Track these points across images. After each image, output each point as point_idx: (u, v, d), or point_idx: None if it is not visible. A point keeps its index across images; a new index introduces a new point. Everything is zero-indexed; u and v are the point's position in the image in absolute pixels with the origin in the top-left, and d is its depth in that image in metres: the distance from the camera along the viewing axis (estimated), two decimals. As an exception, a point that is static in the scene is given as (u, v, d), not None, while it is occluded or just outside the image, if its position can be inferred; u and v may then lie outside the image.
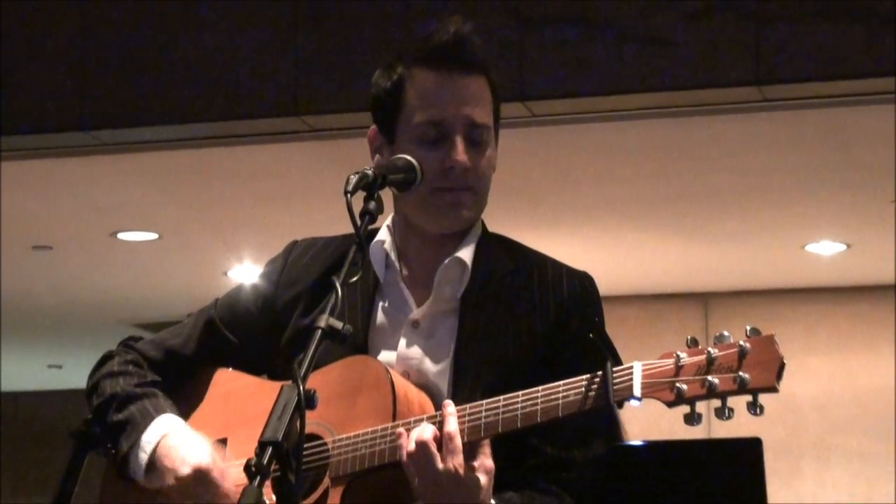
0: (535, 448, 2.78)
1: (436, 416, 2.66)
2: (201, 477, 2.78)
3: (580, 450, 2.82)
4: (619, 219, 7.34)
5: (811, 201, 7.12)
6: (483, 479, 2.62)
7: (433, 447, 2.58)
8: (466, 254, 2.87)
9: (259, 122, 5.77)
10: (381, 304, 2.93)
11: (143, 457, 2.85)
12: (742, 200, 7.09)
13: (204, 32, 5.76)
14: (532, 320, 2.85)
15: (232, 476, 2.75)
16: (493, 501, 2.67)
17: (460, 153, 2.78)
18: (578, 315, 2.86)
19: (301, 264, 2.99)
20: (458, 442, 2.59)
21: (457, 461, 2.60)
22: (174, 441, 2.84)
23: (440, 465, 2.59)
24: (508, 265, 2.92)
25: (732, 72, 5.33)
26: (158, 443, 2.85)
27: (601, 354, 2.59)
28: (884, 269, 8.36)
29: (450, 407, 2.63)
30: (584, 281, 2.90)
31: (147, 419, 2.88)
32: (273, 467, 2.32)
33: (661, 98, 5.49)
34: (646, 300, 8.50)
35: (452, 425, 2.61)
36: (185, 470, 2.78)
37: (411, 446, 2.61)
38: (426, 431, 2.60)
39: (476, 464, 2.62)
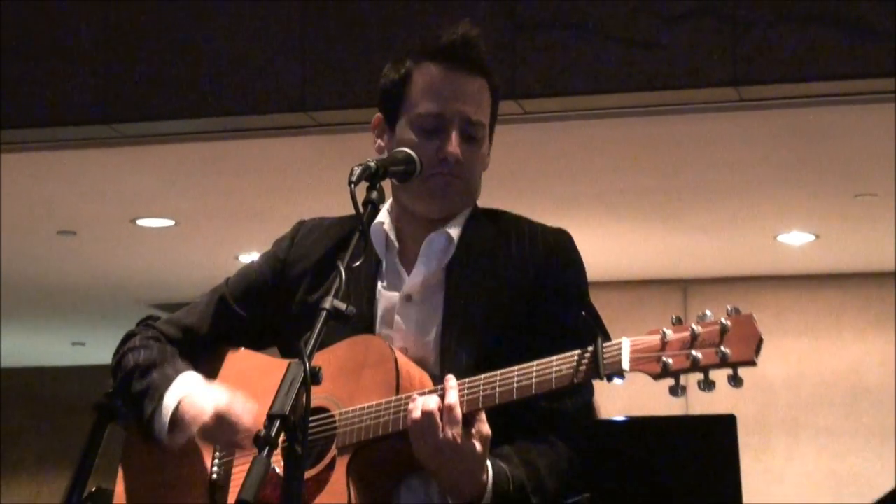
0: (529, 402, 2.77)
1: (436, 391, 2.66)
2: (222, 417, 2.77)
3: (571, 399, 2.82)
4: (605, 209, 7.35)
5: (783, 195, 7.12)
6: (479, 446, 2.63)
7: (437, 416, 2.59)
8: (454, 228, 2.88)
9: (268, 118, 5.77)
10: (381, 284, 2.93)
11: (166, 417, 2.84)
12: (719, 193, 7.09)
13: (218, 33, 5.76)
14: (513, 279, 2.86)
15: (251, 415, 2.75)
16: (489, 463, 2.68)
17: (454, 146, 2.80)
18: (556, 270, 2.87)
19: (308, 243, 2.99)
20: (458, 413, 2.60)
21: (456, 431, 2.61)
22: (194, 396, 2.84)
23: (441, 434, 2.60)
24: (491, 231, 2.92)
25: (711, 73, 5.32)
26: (180, 401, 2.84)
27: (592, 330, 2.60)
28: (849, 259, 8.37)
29: (451, 381, 2.63)
30: (559, 236, 2.92)
31: (167, 382, 2.88)
32: (281, 438, 2.34)
33: (644, 97, 5.49)
34: (629, 286, 8.50)
35: (453, 397, 2.61)
36: (206, 416, 2.79)
37: (417, 415, 2.62)
38: (431, 402, 2.61)
39: (473, 431, 2.63)
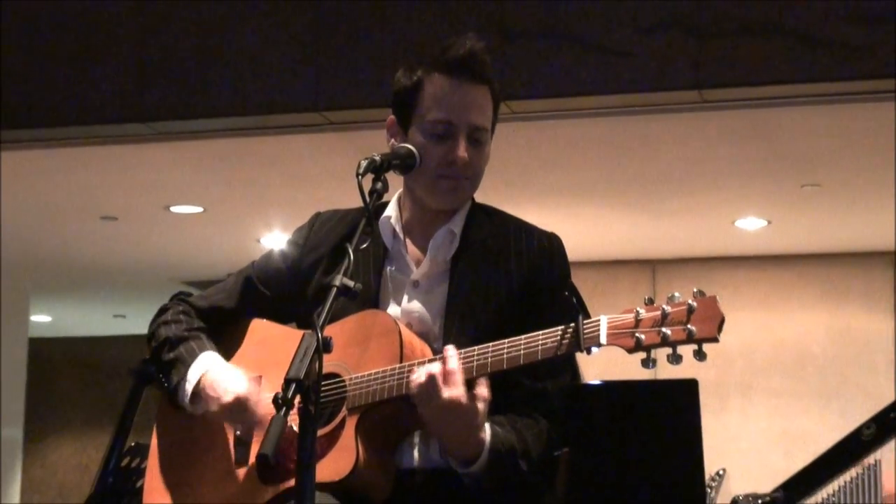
0: (517, 382, 2.78)
1: (436, 359, 2.67)
2: (241, 404, 2.78)
3: (551, 381, 2.84)
4: (582, 197, 7.34)
5: (739, 185, 7.12)
6: (480, 406, 2.64)
7: (439, 379, 2.60)
8: (456, 225, 2.90)
9: (286, 117, 5.77)
10: (388, 268, 2.94)
11: (189, 388, 2.86)
12: (683, 183, 7.09)
13: (241, 41, 5.76)
14: (509, 275, 2.87)
15: (266, 405, 2.75)
16: (487, 424, 2.68)
17: (462, 150, 2.81)
18: (547, 268, 2.88)
19: (323, 231, 3.00)
20: (458, 377, 2.61)
21: (456, 392, 2.61)
22: (215, 375, 2.84)
23: (443, 394, 2.60)
24: (490, 230, 2.94)
25: (676, 78, 5.32)
26: (202, 376, 2.85)
27: (573, 309, 2.60)
28: (797, 242, 8.38)
29: (450, 350, 2.65)
30: (551, 239, 2.94)
31: (192, 357, 2.89)
32: (297, 400, 2.33)
33: (618, 99, 5.49)
34: (605, 265, 8.49)
35: (453, 363, 2.63)
36: (227, 398, 2.79)
37: (421, 378, 2.62)
38: (433, 367, 2.63)
39: (475, 393, 2.63)
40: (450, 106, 2.84)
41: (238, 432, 2.89)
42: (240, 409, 2.78)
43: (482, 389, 2.64)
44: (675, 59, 5.30)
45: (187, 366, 2.87)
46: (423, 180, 2.82)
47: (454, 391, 2.60)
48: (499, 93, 2.95)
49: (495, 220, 2.96)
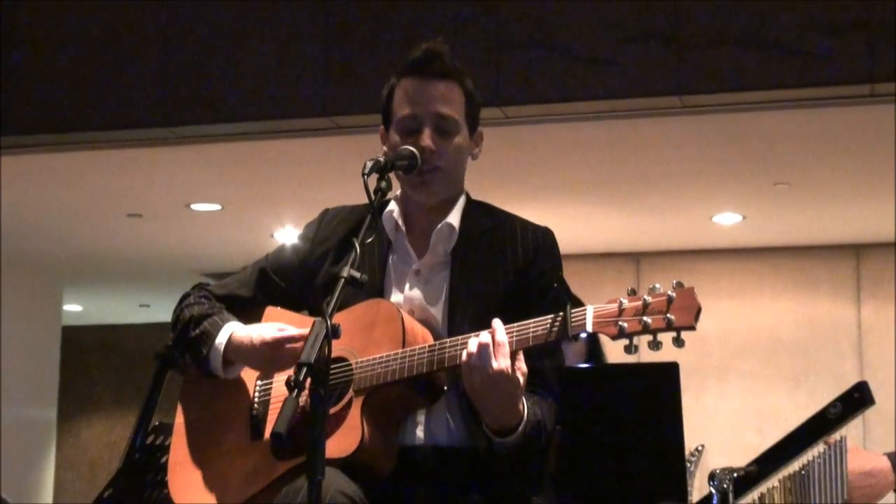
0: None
1: (435, 345, 2.68)
2: (277, 344, 2.79)
3: (548, 360, 2.82)
4: (572, 195, 7.34)
5: (716, 183, 7.12)
6: (521, 378, 2.62)
7: (491, 349, 2.59)
8: (455, 218, 2.90)
9: (297, 122, 5.78)
10: (392, 258, 2.93)
11: (219, 355, 2.86)
12: (665, 182, 7.09)
13: (257, 54, 5.77)
14: (505, 266, 2.87)
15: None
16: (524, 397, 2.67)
17: (426, 139, 2.80)
18: (540, 260, 2.88)
19: (331, 226, 3.00)
20: (507, 349, 2.59)
21: (506, 362, 2.59)
22: (241, 333, 2.86)
23: (494, 364, 2.59)
24: (487, 224, 2.94)
25: (658, 85, 5.32)
26: (229, 338, 2.86)
27: (563, 299, 2.61)
28: (770, 236, 8.38)
29: (498, 323, 2.63)
30: (545, 234, 2.93)
31: (217, 328, 2.90)
32: (308, 382, 2.34)
33: (604, 105, 5.49)
34: (591, 257, 8.49)
35: (503, 336, 2.61)
36: (258, 343, 2.81)
37: (473, 349, 2.60)
38: (484, 338, 2.60)
39: (517, 366, 2.62)
40: (413, 101, 2.85)
41: (255, 409, 2.89)
42: (272, 349, 2.79)
43: (521, 363, 2.63)
44: (657, 68, 5.30)
45: (214, 336, 2.88)
46: (408, 178, 2.82)
47: (504, 362, 2.60)
48: (470, 86, 2.92)
49: (492, 215, 2.96)
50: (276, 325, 2.84)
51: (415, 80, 2.87)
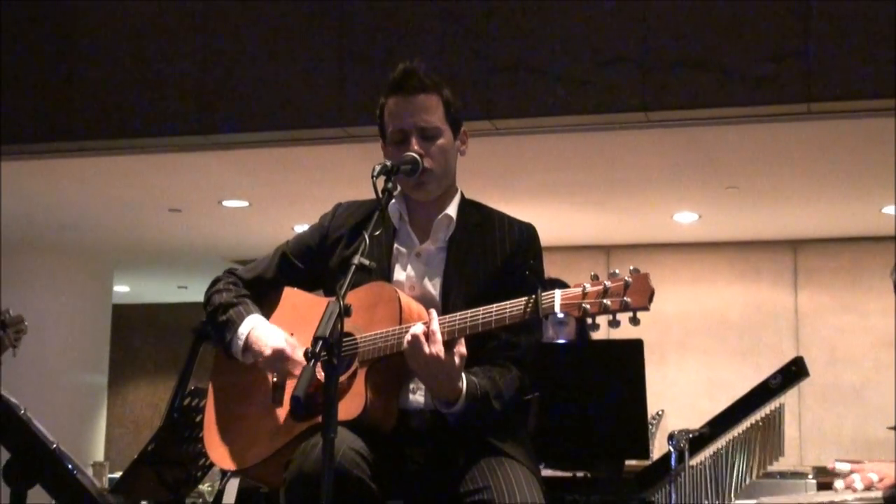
0: (495, 335, 2.77)
1: (421, 323, 2.67)
2: (277, 356, 2.79)
3: (525, 336, 2.82)
4: (552, 196, 7.34)
5: (677, 186, 7.11)
6: (457, 361, 2.63)
7: (422, 338, 2.61)
8: (452, 211, 2.90)
9: (315, 131, 5.78)
10: (396, 243, 2.93)
11: (240, 343, 2.86)
12: (632, 185, 7.09)
13: (281, 70, 5.76)
14: (494, 254, 2.88)
15: (298, 356, 2.77)
16: (464, 375, 2.67)
17: (413, 146, 2.82)
18: (523, 251, 2.88)
19: (343, 217, 3.01)
20: (438, 336, 2.61)
21: (437, 349, 2.60)
22: (259, 332, 2.85)
23: (426, 351, 2.60)
24: (479, 218, 2.94)
25: (626, 101, 5.32)
26: (248, 333, 2.85)
27: (536, 285, 2.61)
28: (722, 232, 8.38)
29: (433, 313, 2.66)
30: (528, 229, 2.93)
31: (241, 318, 2.89)
32: (322, 354, 2.34)
33: (579, 119, 5.49)
34: (568, 250, 8.48)
35: (435, 325, 2.63)
36: (267, 351, 2.80)
37: (408, 338, 2.62)
38: (418, 328, 2.63)
39: (454, 351, 2.63)
40: (398, 117, 2.86)
41: (275, 379, 2.89)
42: (276, 359, 2.80)
43: (460, 347, 2.64)
44: (626, 88, 5.29)
45: (237, 326, 2.88)
46: (405, 181, 2.82)
47: (435, 348, 2.61)
48: (447, 94, 2.91)
49: (483, 211, 2.96)
50: (284, 335, 2.84)
51: (397, 97, 2.88)
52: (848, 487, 3.02)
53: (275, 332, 2.85)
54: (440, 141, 2.86)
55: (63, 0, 6.08)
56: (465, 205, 2.95)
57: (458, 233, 2.89)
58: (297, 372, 2.70)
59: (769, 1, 5.19)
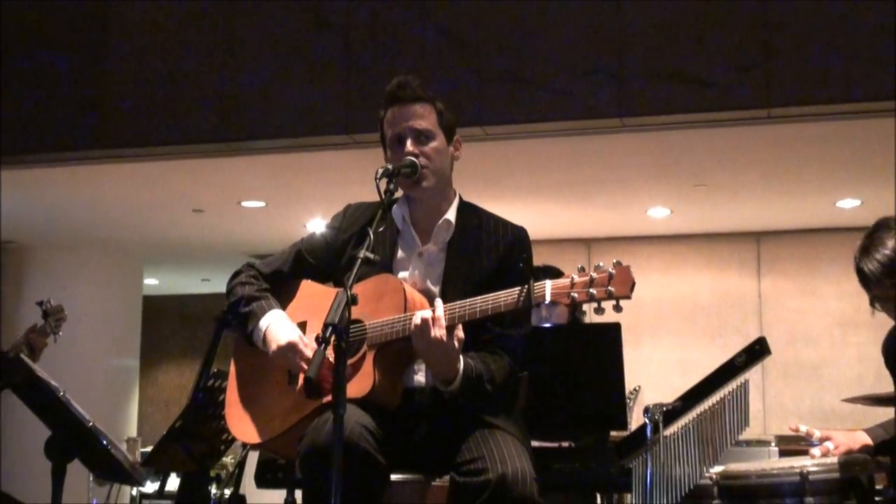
0: (489, 329, 2.77)
1: (424, 310, 2.67)
2: (291, 347, 2.78)
3: (516, 329, 2.82)
4: (538, 194, 7.34)
5: (650, 184, 7.12)
6: (456, 344, 2.63)
7: (429, 322, 2.60)
8: (451, 216, 2.89)
9: (325, 138, 5.78)
10: (400, 243, 2.93)
11: (260, 335, 2.86)
12: (610, 184, 7.09)
13: (294, 84, 5.76)
14: (489, 254, 2.88)
15: (309, 348, 2.77)
16: (462, 357, 2.68)
17: (409, 147, 2.83)
18: (516, 251, 2.87)
19: (352, 218, 3.00)
20: (443, 322, 2.61)
21: (441, 333, 2.61)
22: (276, 326, 2.84)
23: (431, 334, 2.60)
24: (476, 221, 2.93)
25: (604, 110, 5.33)
26: (268, 326, 2.85)
27: (527, 277, 2.61)
28: (692, 225, 8.38)
29: (438, 302, 2.66)
30: (520, 231, 2.93)
31: (262, 312, 2.89)
32: (333, 339, 2.34)
33: (562, 125, 5.51)
34: (552, 242, 8.47)
35: (440, 312, 2.63)
36: (282, 343, 2.79)
37: (417, 321, 2.62)
38: (425, 313, 2.62)
39: (454, 335, 2.63)
40: (395, 123, 2.87)
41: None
42: (288, 352, 2.79)
43: (459, 332, 2.64)
44: (603, 97, 5.30)
45: (258, 318, 2.88)
46: (401, 182, 2.82)
47: (439, 331, 2.61)
48: (439, 104, 2.92)
49: (479, 214, 2.95)
50: (295, 333, 2.83)
51: (393, 107, 2.89)
52: (808, 453, 3.02)
53: (290, 329, 2.84)
54: (434, 143, 2.87)
55: (98, 24, 6.07)
56: (464, 208, 2.94)
57: (457, 236, 2.88)
58: (305, 365, 2.71)
59: (733, 18, 5.19)
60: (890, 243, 3.06)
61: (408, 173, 2.79)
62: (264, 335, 2.84)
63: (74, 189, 7.08)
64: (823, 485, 2.87)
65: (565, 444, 3.57)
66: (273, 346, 2.81)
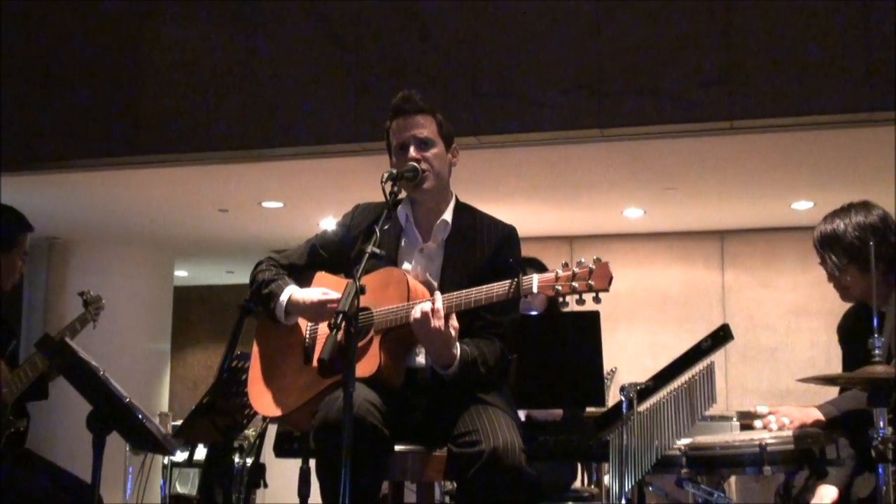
0: (481, 316, 2.77)
1: (423, 302, 2.67)
2: (319, 305, 2.80)
3: (505, 316, 2.82)
4: (526, 196, 7.34)
5: (626, 188, 7.11)
6: (453, 333, 2.63)
7: (429, 314, 2.60)
8: (448, 216, 2.90)
9: (336, 146, 5.76)
10: (403, 239, 2.93)
11: (281, 309, 2.87)
12: (590, 188, 7.08)
13: (308, 98, 5.74)
14: (483, 251, 2.88)
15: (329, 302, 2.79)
16: (458, 344, 2.67)
17: (411, 153, 2.84)
18: (506, 248, 2.87)
19: (361, 216, 3.01)
20: (442, 312, 2.60)
21: (440, 323, 2.60)
22: (297, 295, 2.86)
23: (431, 324, 2.60)
24: (470, 221, 2.94)
25: (585, 121, 5.32)
26: (289, 298, 2.86)
27: (517, 271, 2.61)
28: (662, 224, 8.38)
29: (437, 294, 2.65)
30: (510, 229, 2.93)
31: (280, 290, 2.91)
32: (343, 325, 2.33)
33: (547, 135, 5.48)
34: (538, 240, 8.47)
35: (438, 304, 2.62)
36: (306, 304, 2.82)
37: (417, 314, 2.61)
38: (425, 305, 2.62)
39: (450, 324, 2.63)
40: (400, 132, 2.88)
41: (307, 343, 2.89)
42: (318, 306, 2.81)
43: (454, 321, 2.65)
44: (584, 109, 5.29)
45: (279, 295, 2.88)
46: (404, 184, 2.83)
47: (438, 322, 2.61)
48: (439, 116, 2.92)
49: (474, 214, 2.96)
50: (321, 290, 2.84)
51: (398, 119, 2.90)
52: (765, 427, 3.03)
53: (310, 290, 2.86)
54: (434, 150, 2.87)
55: (134, 43, 6.06)
56: (459, 209, 2.94)
57: (454, 234, 2.89)
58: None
59: (699, 41, 5.19)
60: (837, 221, 3.09)
61: (410, 177, 2.80)
62: (285, 308, 2.84)
63: (113, 191, 7.08)
64: (779, 455, 2.88)
65: (556, 414, 3.58)
66: (299, 311, 2.82)
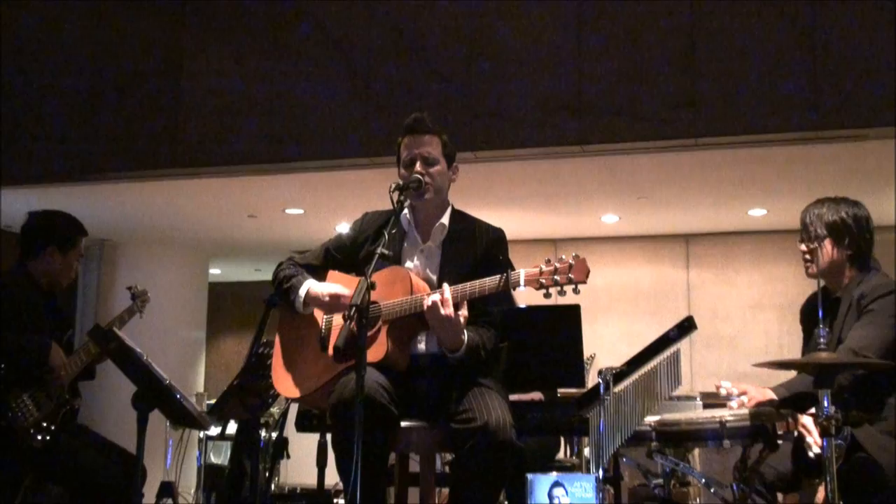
0: (475, 306, 2.77)
1: (433, 293, 2.66)
2: (335, 297, 2.79)
3: (496, 307, 2.83)
4: (515, 203, 7.33)
5: (605, 197, 7.11)
6: (462, 320, 2.63)
7: (440, 303, 2.61)
8: (445, 220, 2.89)
9: (349, 160, 5.76)
10: (405, 242, 2.93)
11: (301, 300, 2.86)
12: (571, 196, 7.07)
13: (325, 116, 5.74)
14: (475, 251, 2.88)
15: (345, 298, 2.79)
16: (465, 331, 2.68)
17: (417, 168, 2.84)
18: (495, 247, 2.87)
19: (369, 222, 3.01)
20: (450, 302, 2.61)
21: (449, 311, 2.61)
22: (315, 288, 2.87)
23: (442, 312, 2.60)
24: (464, 225, 2.94)
25: (566, 138, 5.32)
26: (307, 290, 2.87)
27: (505, 268, 2.61)
28: (635, 229, 8.37)
29: (445, 285, 2.67)
30: (499, 231, 2.93)
31: (300, 284, 2.91)
32: (354, 316, 2.33)
33: (534, 150, 5.48)
34: (525, 242, 8.47)
35: (447, 294, 2.63)
36: (323, 297, 2.81)
37: (429, 302, 2.62)
38: (436, 296, 2.61)
39: (459, 313, 2.63)
40: (409, 149, 2.89)
41: (322, 333, 2.89)
42: (333, 299, 2.81)
43: (464, 311, 2.65)
44: (567, 128, 5.29)
45: (298, 288, 2.89)
46: (409, 194, 2.83)
47: (447, 310, 2.61)
48: (445, 137, 2.92)
49: (467, 219, 2.96)
50: (337, 285, 2.85)
51: (409, 137, 2.90)
52: (740, 407, 3.01)
53: (325, 285, 2.86)
54: (437, 167, 2.88)
55: (174, 70, 6.06)
56: (455, 214, 2.95)
57: (450, 236, 2.90)
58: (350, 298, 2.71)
59: (668, 67, 5.19)
60: (831, 204, 3.11)
61: (414, 187, 2.80)
62: (304, 301, 2.85)
63: (156, 199, 7.08)
64: (737, 430, 2.89)
65: (536, 397, 3.57)
66: (316, 305, 2.81)
